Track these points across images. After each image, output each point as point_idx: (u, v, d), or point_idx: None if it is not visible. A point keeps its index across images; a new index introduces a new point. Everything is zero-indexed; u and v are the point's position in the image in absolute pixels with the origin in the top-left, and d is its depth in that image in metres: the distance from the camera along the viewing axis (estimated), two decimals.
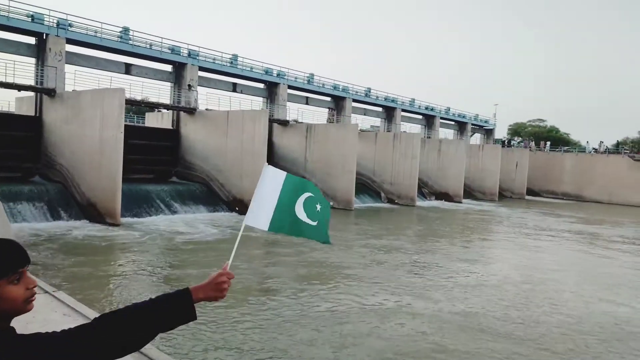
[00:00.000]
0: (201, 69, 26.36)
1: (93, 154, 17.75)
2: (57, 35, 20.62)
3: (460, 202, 34.93)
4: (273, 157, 28.32)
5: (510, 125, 67.43)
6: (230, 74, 28.67)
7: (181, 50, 25.51)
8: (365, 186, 32.00)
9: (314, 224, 2.05)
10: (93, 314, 4.63)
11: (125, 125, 18.13)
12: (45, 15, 20.49)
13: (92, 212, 17.49)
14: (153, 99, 24.85)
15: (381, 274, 12.24)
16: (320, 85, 33.84)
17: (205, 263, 12.70)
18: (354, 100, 36.30)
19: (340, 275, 11.96)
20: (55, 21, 20.72)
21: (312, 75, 33.25)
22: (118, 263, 12.63)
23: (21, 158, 19.60)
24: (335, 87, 34.72)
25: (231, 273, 1.56)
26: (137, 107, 33.97)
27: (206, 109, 26.21)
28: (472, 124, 49.86)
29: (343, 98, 35.20)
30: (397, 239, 17.97)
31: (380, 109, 40.27)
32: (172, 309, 1.41)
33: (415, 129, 42.65)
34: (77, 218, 17.27)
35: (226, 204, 22.71)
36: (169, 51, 25.02)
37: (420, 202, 32.18)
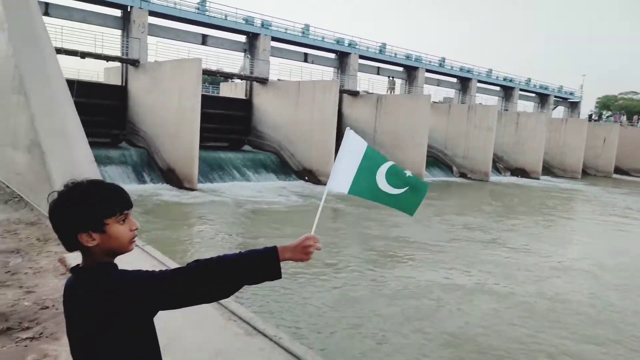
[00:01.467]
0: (273, 39, 26.56)
1: (172, 122, 18.65)
2: (140, 8, 21.59)
3: (538, 179, 33.07)
4: (342, 128, 28.23)
5: (599, 98, 62.20)
6: (302, 44, 28.67)
7: (254, 21, 25.81)
8: (437, 159, 31.17)
9: (398, 192, 1.99)
10: (173, 264, 4.94)
11: (201, 95, 18.83)
12: None
13: (172, 177, 18.53)
14: (227, 69, 25.55)
15: (459, 252, 11.72)
16: (393, 54, 32.96)
17: (276, 228, 13.11)
18: (427, 71, 35.07)
19: (417, 251, 11.58)
20: None
21: (385, 44, 32.44)
22: (196, 225, 13.35)
23: (109, 125, 21.03)
24: (407, 57, 33.68)
25: (318, 239, 1.58)
26: (212, 77, 35.05)
27: (278, 80, 26.52)
28: (555, 97, 46.53)
29: (416, 68, 34.11)
30: (472, 216, 17.26)
31: (454, 80, 38.64)
32: (260, 265, 1.45)
33: (492, 101, 40.59)
34: (159, 182, 18.39)
35: (296, 173, 23.11)
36: (243, 22, 25.40)
37: (494, 178, 30.87)
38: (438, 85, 37.85)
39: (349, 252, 11.15)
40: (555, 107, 47.42)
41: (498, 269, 10.36)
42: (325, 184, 16.15)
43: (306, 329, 6.68)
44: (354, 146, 1.98)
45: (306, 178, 22.58)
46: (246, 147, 25.53)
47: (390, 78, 33.16)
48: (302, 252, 1.53)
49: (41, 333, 3.65)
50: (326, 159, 22.01)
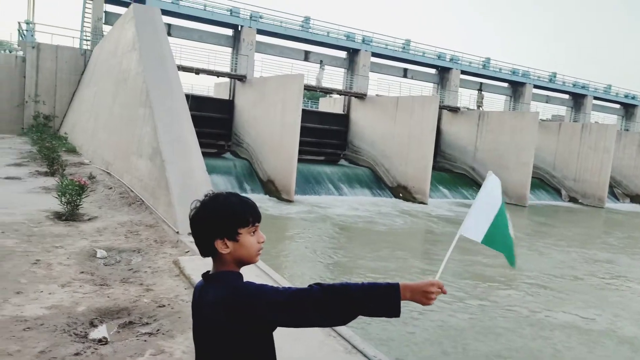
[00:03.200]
0: (373, 54, 26.72)
1: (274, 135, 19.44)
2: (249, 27, 22.97)
3: None
4: (440, 145, 27.49)
5: None
6: (402, 60, 28.49)
7: (355, 37, 26.19)
8: (543, 181, 29.02)
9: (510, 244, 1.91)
10: (280, 278, 5.06)
11: (302, 109, 19.41)
12: (240, 9, 22.99)
13: (271, 188, 19.26)
14: (326, 85, 26.14)
15: (580, 288, 10.49)
16: (497, 70, 31.51)
17: (371, 249, 12.95)
18: (535, 87, 32.99)
19: (530, 284, 10.42)
20: (248, 14, 23.10)
21: (489, 59, 31.13)
22: (293, 238, 13.68)
23: (217, 136, 22.48)
24: (513, 72, 31.97)
25: (442, 285, 1.51)
26: (311, 92, 36.13)
27: (376, 95, 26.57)
28: None
29: (522, 84, 32.25)
30: (589, 247, 15.47)
31: (566, 96, 35.90)
32: (380, 299, 1.44)
33: (610, 119, 37.03)
34: (258, 192, 19.21)
35: (390, 190, 22.85)
36: (345, 38, 25.90)
37: (610, 204, 27.96)
38: (547, 102, 35.41)
39: (453, 279, 10.67)
40: None
41: (629, 312, 9.15)
42: (420, 202, 15.86)
43: (405, 354, 6.47)
44: (493, 191, 1.89)
45: (401, 195, 22.22)
46: (342, 162, 25.81)
47: (479, 92, 31.40)
48: (424, 296, 1.48)
49: (158, 330, 3.92)
50: (422, 175, 21.51)
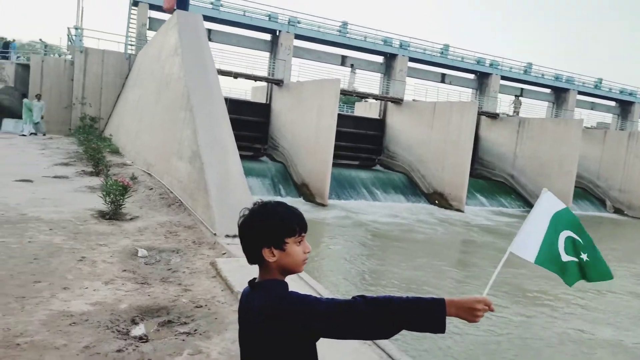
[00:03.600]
0: (411, 59, 26.50)
1: (309, 139, 19.54)
2: (287, 32, 23.23)
3: None
4: (477, 151, 26.92)
5: None
6: (440, 65, 28.12)
7: (393, 42, 26.04)
8: (586, 191, 27.97)
9: (577, 260, 1.84)
10: (322, 289, 5.05)
11: (337, 114, 19.43)
12: (279, 15, 23.28)
13: (305, 192, 19.36)
14: (362, 89, 26.10)
15: (620, 304, 10.01)
16: (539, 75, 30.64)
17: (407, 257, 12.80)
18: (580, 93, 31.87)
19: (585, 303, 9.94)
20: (287, 19, 23.36)
21: (530, 64, 30.32)
22: (326, 243, 13.68)
23: (253, 139, 22.79)
24: (557, 78, 31.00)
25: (490, 303, 1.47)
26: (347, 97, 36.15)
27: (413, 100, 26.31)
28: None
29: (566, 90, 31.23)
30: (635, 261, 14.82)
31: (613, 104, 34.52)
32: (425, 314, 1.42)
33: None
34: (293, 196, 19.34)
35: (425, 196, 22.55)
36: (382, 43, 25.79)
37: None
38: (592, 109, 34.14)
39: (493, 291, 10.35)
40: None
41: None
42: (456, 209, 15.55)
43: None
44: (548, 208, 1.83)
45: (436, 201, 21.88)
46: (377, 167, 25.66)
47: (516, 97, 30.38)
48: (469, 313, 1.44)
49: (196, 330, 4.00)
50: (459, 182, 21.13)
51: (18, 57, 26.80)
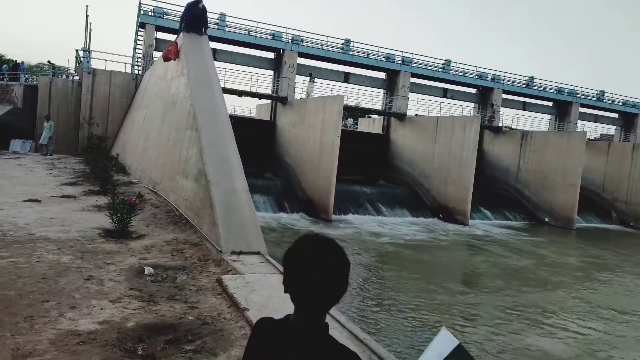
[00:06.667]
0: (413, 75, 26.74)
1: (313, 155, 19.68)
2: (291, 50, 23.55)
3: None
4: (481, 165, 26.97)
5: None
6: (442, 80, 28.36)
7: (395, 58, 26.32)
8: (591, 203, 27.85)
9: None
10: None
11: (341, 130, 19.57)
12: (283, 33, 23.64)
13: (309, 207, 19.42)
14: (365, 105, 26.32)
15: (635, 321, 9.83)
16: (541, 89, 30.80)
17: (413, 272, 12.78)
18: (582, 105, 31.96)
19: (584, 313, 9.82)
20: (290, 38, 23.72)
21: (532, 78, 30.51)
22: None
23: (258, 156, 22.95)
24: (559, 91, 31.15)
25: None
26: (350, 112, 36.42)
27: (416, 115, 26.48)
28: None
29: (568, 103, 31.34)
30: None
31: (615, 115, 34.57)
32: None
33: None
34: (297, 211, 19.39)
35: (430, 210, 22.54)
36: (384, 59, 26.08)
37: None
38: (595, 122, 34.19)
39: (521, 301, 10.39)
40: None
41: None
42: (460, 223, 15.53)
43: None
44: (441, 346, 1.77)
45: (441, 215, 21.88)
46: (381, 182, 25.73)
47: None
48: None
49: (202, 347, 4.05)
50: (463, 196, 21.15)
51: (27, 78, 27.31)
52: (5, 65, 30.41)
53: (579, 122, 31.64)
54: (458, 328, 8.16)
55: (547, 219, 24.14)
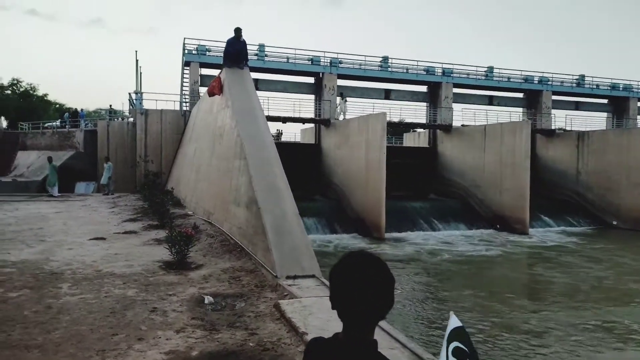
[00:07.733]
0: (455, 85, 26.35)
1: (360, 173, 19.66)
2: (330, 73, 23.90)
3: None
4: (536, 170, 25.92)
5: None
6: (485, 87, 27.75)
7: (435, 71, 26.08)
8: None
9: None
10: (392, 330, 5.00)
11: (386, 146, 19.49)
12: (321, 58, 24.06)
13: (361, 226, 19.31)
14: (409, 120, 26.13)
15: None
16: (594, 86, 29.43)
17: (475, 288, 12.29)
18: None
19: None
20: (328, 61, 24.09)
21: (583, 76, 29.24)
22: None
23: (306, 179, 23.18)
24: (613, 87, 29.65)
25: None
26: (394, 128, 36.20)
27: (462, 125, 25.97)
28: None
29: (625, 98, 29.73)
30: None
31: None
32: None
33: None
34: (349, 232, 19.31)
35: (486, 221, 21.82)
36: (424, 72, 25.90)
37: None
38: None
39: (604, 317, 9.74)
40: None
41: None
42: (520, 232, 14.92)
43: None
44: (449, 328, 2.20)
45: (498, 226, 21.11)
46: (432, 195, 25.25)
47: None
48: None
49: None
50: (520, 204, 20.35)
51: (87, 124, 29.18)
52: (66, 114, 32.72)
53: (638, 117, 29.90)
54: (530, 349, 7.74)
55: (614, 222, 22.74)
